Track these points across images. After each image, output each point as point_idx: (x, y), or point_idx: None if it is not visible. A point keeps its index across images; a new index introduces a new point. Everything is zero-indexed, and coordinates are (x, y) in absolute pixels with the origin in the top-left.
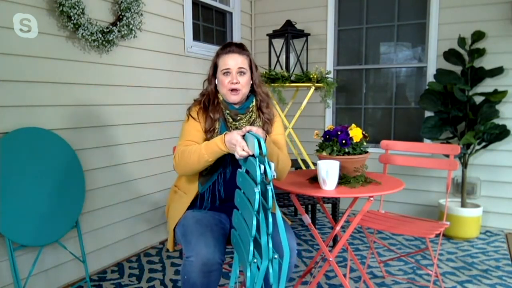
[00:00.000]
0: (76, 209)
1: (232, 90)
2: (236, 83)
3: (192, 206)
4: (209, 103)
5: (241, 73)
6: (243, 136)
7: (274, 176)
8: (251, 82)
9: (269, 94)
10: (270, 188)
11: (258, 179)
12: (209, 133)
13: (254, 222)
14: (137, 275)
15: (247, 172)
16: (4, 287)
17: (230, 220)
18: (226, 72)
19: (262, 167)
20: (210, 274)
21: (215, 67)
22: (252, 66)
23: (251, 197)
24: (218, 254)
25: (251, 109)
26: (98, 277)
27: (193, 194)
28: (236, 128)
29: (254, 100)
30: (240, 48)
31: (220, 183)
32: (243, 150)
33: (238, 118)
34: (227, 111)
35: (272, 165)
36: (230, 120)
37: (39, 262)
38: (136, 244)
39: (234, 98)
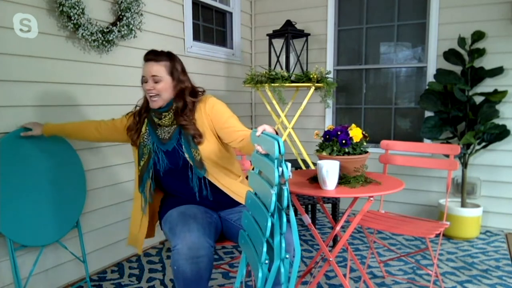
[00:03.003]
0: (77, 208)
1: (151, 96)
2: (150, 89)
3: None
4: (143, 110)
5: (155, 80)
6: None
7: (290, 176)
8: (175, 87)
9: (192, 101)
10: (286, 188)
11: (276, 180)
12: (134, 133)
13: (269, 224)
14: (137, 275)
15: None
16: (4, 287)
17: (218, 213)
18: (144, 80)
19: (281, 169)
20: (198, 260)
21: None
22: (173, 73)
23: (265, 199)
24: (204, 237)
25: (174, 107)
26: (98, 277)
27: (158, 198)
28: (165, 126)
29: (173, 103)
30: (157, 55)
31: (152, 184)
32: None
33: (163, 116)
34: (152, 113)
35: (289, 165)
36: (156, 120)
37: (39, 262)
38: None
39: (153, 104)
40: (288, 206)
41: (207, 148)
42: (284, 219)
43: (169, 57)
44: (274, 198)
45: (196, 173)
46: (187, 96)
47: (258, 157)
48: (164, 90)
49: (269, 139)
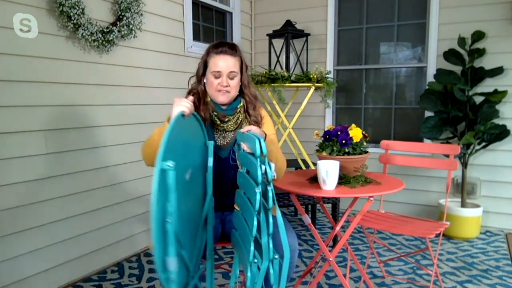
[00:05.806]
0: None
1: (222, 91)
2: (226, 86)
3: None
4: (200, 103)
5: (231, 76)
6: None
7: (274, 176)
8: (240, 84)
9: (257, 96)
10: (270, 188)
11: (259, 179)
12: None
13: (255, 222)
14: (137, 275)
15: (247, 172)
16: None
17: (223, 219)
18: (217, 74)
19: (263, 167)
20: None
21: (205, 65)
22: (242, 68)
23: (252, 197)
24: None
25: (238, 110)
26: (98, 277)
27: None
28: (224, 130)
29: (241, 101)
30: (233, 49)
31: None
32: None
33: (226, 119)
34: (215, 113)
35: (273, 165)
36: (218, 122)
37: (40, 261)
38: (136, 244)
39: (222, 99)
40: (273, 207)
41: None
42: (271, 220)
43: (239, 51)
44: (258, 197)
45: None
46: (250, 89)
47: (245, 155)
48: (236, 86)
49: (252, 137)
